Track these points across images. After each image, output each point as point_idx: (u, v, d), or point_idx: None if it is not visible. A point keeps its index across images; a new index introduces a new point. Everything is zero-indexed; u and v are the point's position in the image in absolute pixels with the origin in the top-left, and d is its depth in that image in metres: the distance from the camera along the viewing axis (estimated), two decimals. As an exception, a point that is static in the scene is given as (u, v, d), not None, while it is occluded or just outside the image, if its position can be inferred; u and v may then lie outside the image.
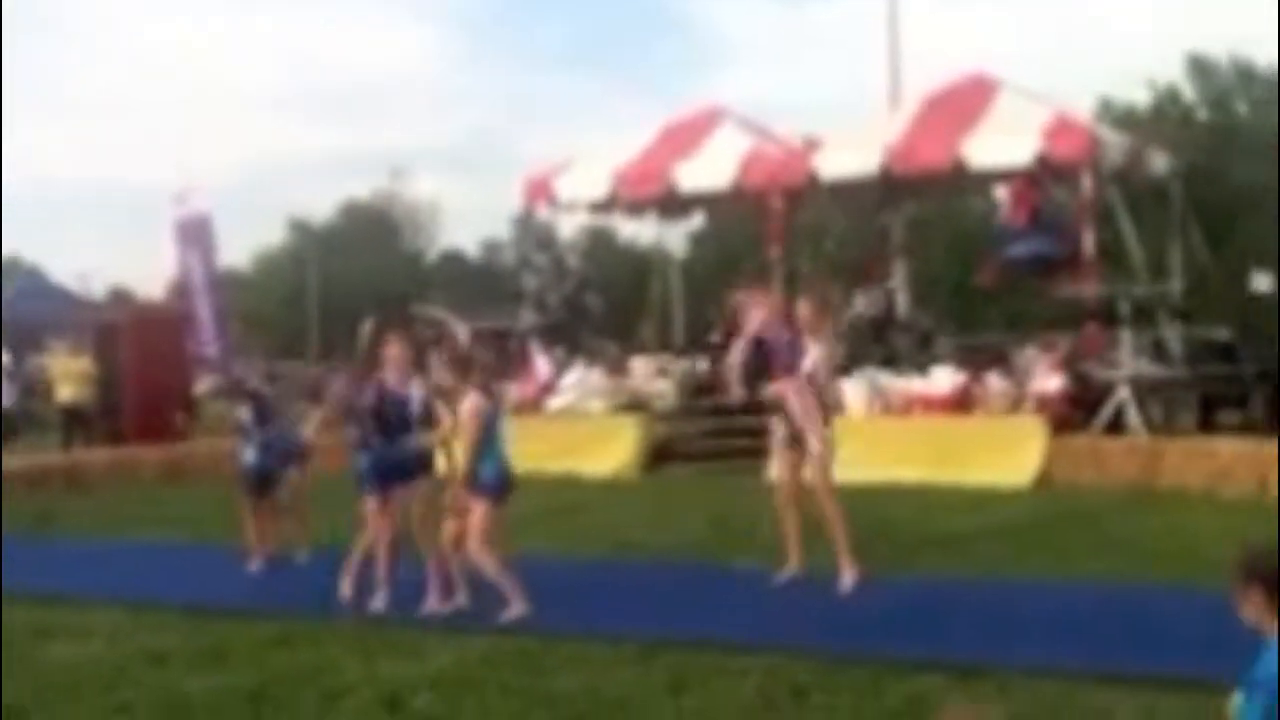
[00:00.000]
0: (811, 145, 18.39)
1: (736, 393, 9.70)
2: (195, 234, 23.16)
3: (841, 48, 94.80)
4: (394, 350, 8.65)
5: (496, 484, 8.16)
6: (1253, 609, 3.78)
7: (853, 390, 15.40)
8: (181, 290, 25.36)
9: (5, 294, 34.79)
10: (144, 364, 19.95)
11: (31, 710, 6.31)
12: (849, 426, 14.00)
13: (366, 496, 8.67)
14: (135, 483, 16.41)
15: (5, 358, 20.33)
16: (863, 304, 18.09)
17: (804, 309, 9.12)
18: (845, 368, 16.00)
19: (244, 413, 10.60)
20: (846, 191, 19.24)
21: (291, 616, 8.26)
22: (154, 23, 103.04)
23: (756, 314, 9.29)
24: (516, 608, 7.97)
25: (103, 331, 20.79)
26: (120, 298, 51.91)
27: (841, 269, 19.64)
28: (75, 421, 19.26)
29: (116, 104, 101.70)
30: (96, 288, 54.52)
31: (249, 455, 10.43)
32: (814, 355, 8.91)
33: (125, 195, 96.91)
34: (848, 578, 8.63)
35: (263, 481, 10.43)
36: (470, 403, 8.13)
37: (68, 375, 19.31)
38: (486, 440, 8.16)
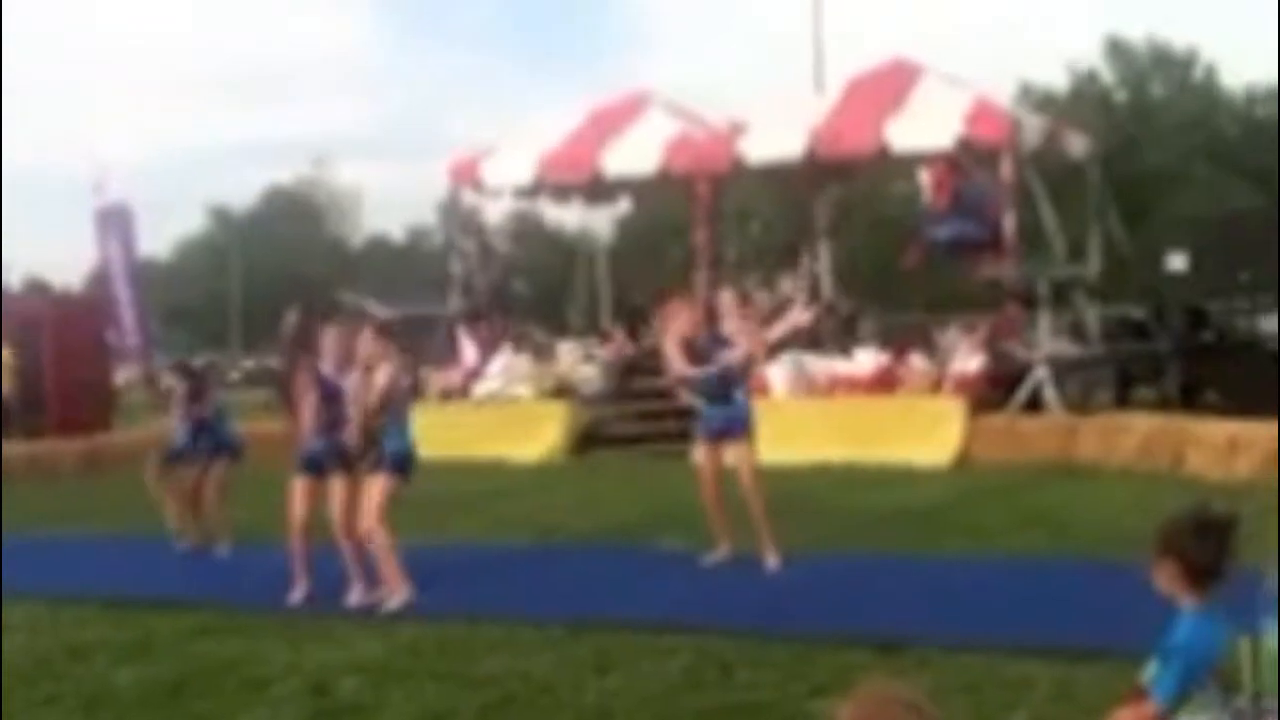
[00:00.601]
0: (737, 129, 18.49)
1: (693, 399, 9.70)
2: (114, 223, 22.78)
3: (766, 32, 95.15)
4: (329, 339, 8.57)
5: (404, 461, 8.12)
6: (1166, 580, 3.88)
7: (777, 372, 15.53)
8: (100, 280, 24.97)
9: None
10: (63, 355, 19.62)
11: (-49, 705, 6.22)
12: (773, 407, 14.16)
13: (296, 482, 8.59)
14: (54, 476, 16.17)
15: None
16: (788, 286, 18.23)
17: (725, 301, 9.22)
18: (770, 350, 16.12)
19: (180, 387, 10.54)
20: (772, 175, 19.38)
21: (215, 607, 8.20)
22: (70, 7, 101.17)
23: (682, 319, 9.32)
24: (402, 594, 7.97)
25: (20, 322, 20.41)
26: (37, 289, 50.99)
27: (767, 252, 19.73)
28: (-6, 415, 18.87)
29: (29, 90, 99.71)
30: (13, 278, 53.56)
31: (180, 434, 10.40)
32: (739, 350, 8.95)
33: (40, 185, 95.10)
34: (772, 560, 8.71)
35: (179, 459, 10.42)
36: (386, 371, 8.09)
37: (-17, 368, 18.94)
38: (398, 417, 8.13)
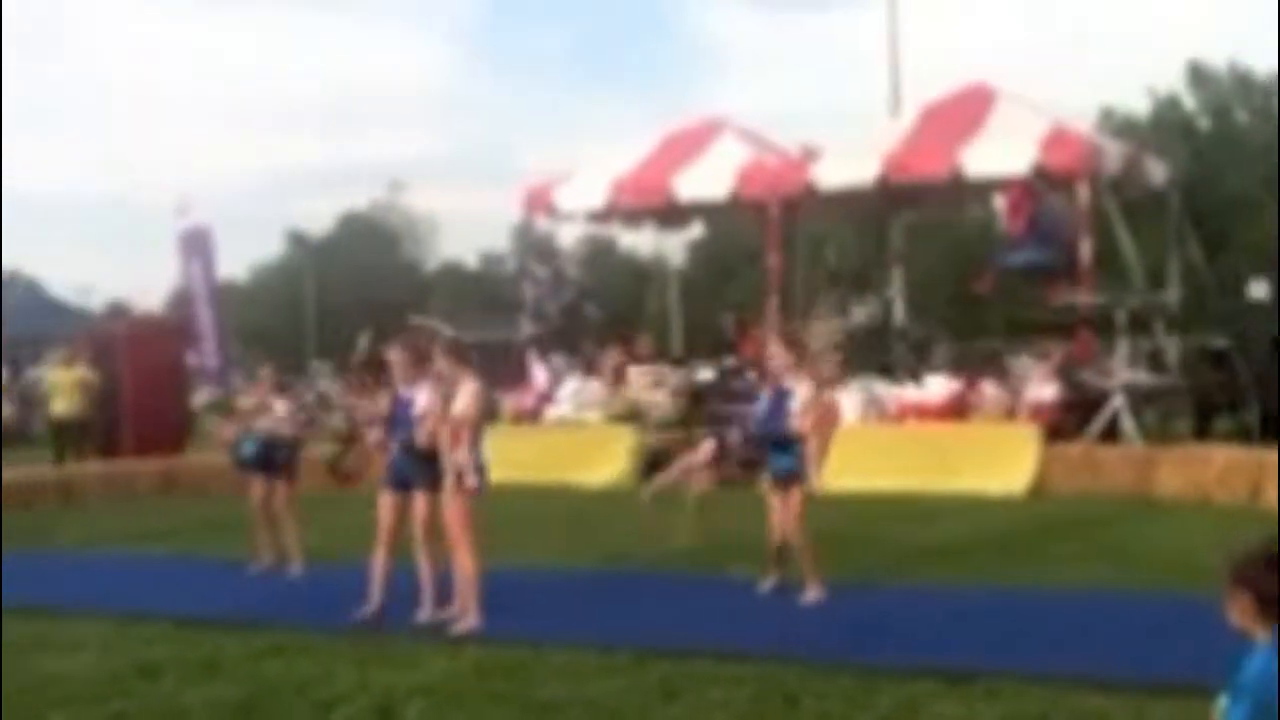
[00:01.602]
0: (810, 154, 18.45)
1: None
2: (196, 246, 23.21)
3: (841, 57, 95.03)
4: (394, 355, 8.65)
5: (482, 482, 8.13)
6: (1239, 614, 3.78)
7: (848, 399, 15.41)
8: (181, 302, 25.40)
9: (4, 308, 34.86)
10: (141, 376, 19.95)
11: (22, 720, 6.31)
12: (842, 434, 14.00)
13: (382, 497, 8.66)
14: (130, 496, 16.41)
15: (4, 372, 20.32)
16: (860, 313, 18.11)
17: (774, 353, 9.13)
18: (841, 377, 16.02)
19: (276, 401, 10.71)
20: (845, 200, 19.29)
21: (285, 627, 8.25)
22: (156, 36, 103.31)
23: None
24: (471, 620, 7.98)
25: (100, 344, 20.79)
26: (118, 310, 51.95)
27: (839, 278, 19.64)
28: (67, 434, 19.19)
29: (117, 118, 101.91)
30: (96, 301, 54.69)
31: (249, 447, 10.52)
32: (800, 397, 8.86)
33: (126, 209, 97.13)
34: (812, 594, 8.61)
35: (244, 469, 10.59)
36: (470, 389, 8.11)
37: (60, 388, 19.26)
38: (477, 436, 8.15)
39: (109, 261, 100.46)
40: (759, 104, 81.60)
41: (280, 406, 10.66)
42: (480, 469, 8.14)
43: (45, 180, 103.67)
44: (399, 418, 8.52)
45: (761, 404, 9.03)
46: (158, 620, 8.53)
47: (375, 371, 9.46)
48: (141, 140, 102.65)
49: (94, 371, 19.41)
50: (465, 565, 8.06)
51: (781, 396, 8.85)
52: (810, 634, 7.71)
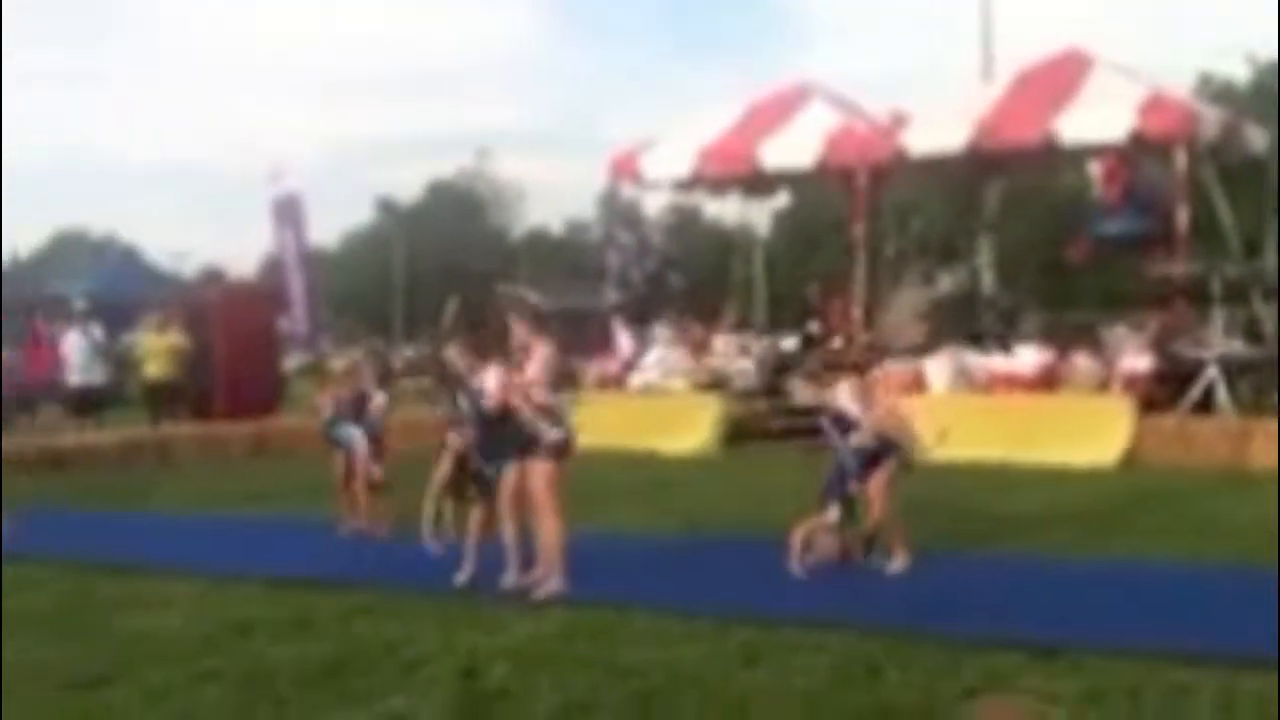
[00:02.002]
0: (899, 121, 18.22)
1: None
2: (288, 213, 23.49)
3: (931, 22, 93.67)
4: (517, 329, 8.69)
5: (562, 447, 8.12)
6: None
7: (936, 368, 15.28)
8: (273, 268, 25.75)
9: (99, 274, 35.58)
10: (233, 341, 20.27)
11: (117, 677, 6.46)
12: (931, 404, 13.93)
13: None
14: (223, 458, 16.73)
15: (98, 335, 20.73)
16: (948, 283, 17.92)
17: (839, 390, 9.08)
18: (929, 346, 15.88)
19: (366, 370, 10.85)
20: (934, 167, 19.06)
21: (374, 589, 8.36)
22: (251, 5, 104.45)
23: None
24: (554, 584, 7.99)
25: (194, 309, 21.16)
26: (212, 276, 52.84)
27: (929, 246, 19.45)
28: (160, 397, 19.59)
29: (213, 86, 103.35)
30: (190, 267, 55.68)
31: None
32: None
33: (220, 176, 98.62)
34: (898, 562, 8.56)
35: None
36: (543, 351, 8.13)
37: (154, 352, 19.64)
38: (555, 403, 8.16)
39: (203, 228, 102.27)
40: (847, 69, 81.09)
41: (380, 399, 10.77)
42: (566, 434, 8.17)
43: (142, 148, 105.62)
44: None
45: None
46: (249, 580, 8.69)
47: (466, 337, 9.48)
48: (236, 108, 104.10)
49: (186, 336, 19.77)
50: (549, 530, 8.10)
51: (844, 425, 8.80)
52: (894, 603, 7.66)
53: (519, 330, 8.33)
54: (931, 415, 12.10)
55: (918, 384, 15.30)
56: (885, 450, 8.61)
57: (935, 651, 6.40)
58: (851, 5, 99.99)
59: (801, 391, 9.13)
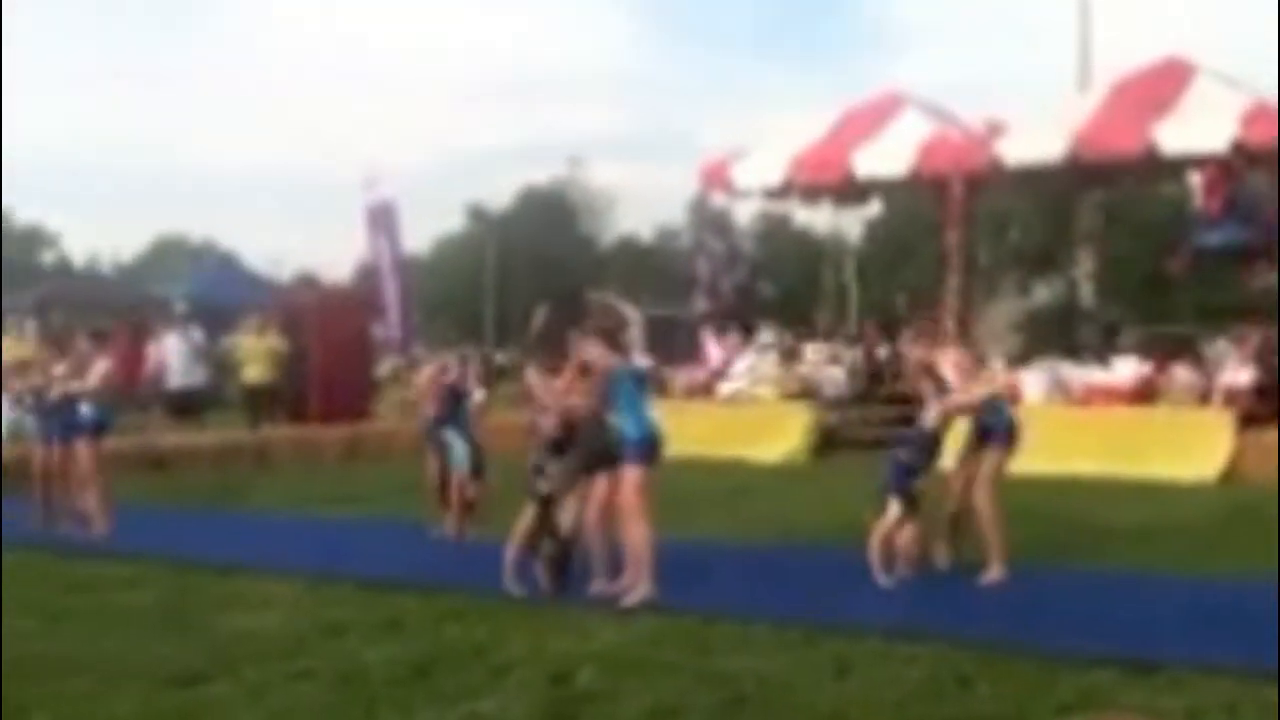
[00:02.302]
0: (995, 130, 18.02)
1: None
2: (382, 220, 23.80)
3: (1027, 31, 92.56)
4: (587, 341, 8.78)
5: (645, 449, 8.09)
6: None
7: (1032, 380, 15.08)
8: (367, 274, 26.08)
9: (199, 279, 36.30)
10: (328, 346, 20.56)
11: (215, 674, 6.58)
12: (1026, 416, 13.68)
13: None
14: (317, 460, 16.98)
15: (198, 338, 21.16)
16: (1044, 293, 17.71)
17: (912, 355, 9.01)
18: (1024, 357, 15.70)
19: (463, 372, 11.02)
20: (1031, 177, 18.83)
21: (466, 592, 8.43)
22: (345, 14, 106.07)
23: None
24: (643, 590, 7.97)
25: (290, 314, 21.51)
26: (308, 281, 53.63)
27: (1024, 257, 19.19)
28: (259, 400, 19.94)
29: (309, 95, 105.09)
30: (287, 272, 56.58)
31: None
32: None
33: (315, 184, 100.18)
34: (994, 573, 8.47)
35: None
36: (592, 353, 8.17)
37: (253, 355, 19.99)
38: (630, 400, 8.16)
39: (299, 233, 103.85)
40: (942, 78, 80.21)
41: (479, 396, 10.89)
42: (645, 437, 8.19)
43: (240, 155, 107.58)
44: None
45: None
46: (343, 581, 8.80)
47: (552, 345, 9.55)
48: (331, 117, 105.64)
49: (284, 340, 20.09)
50: (638, 535, 8.11)
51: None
52: (987, 615, 7.58)
53: (587, 344, 8.32)
54: (1027, 427, 11.99)
55: (1012, 395, 15.11)
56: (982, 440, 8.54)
57: (1029, 666, 6.32)
58: (947, 14, 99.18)
59: (910, 348, 9.07)
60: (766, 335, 18.52)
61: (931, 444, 8.67)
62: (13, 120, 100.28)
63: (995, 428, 8.74)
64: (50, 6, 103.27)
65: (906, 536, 8.50)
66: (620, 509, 8.18)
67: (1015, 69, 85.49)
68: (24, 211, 75.65)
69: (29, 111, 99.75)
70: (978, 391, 8.89)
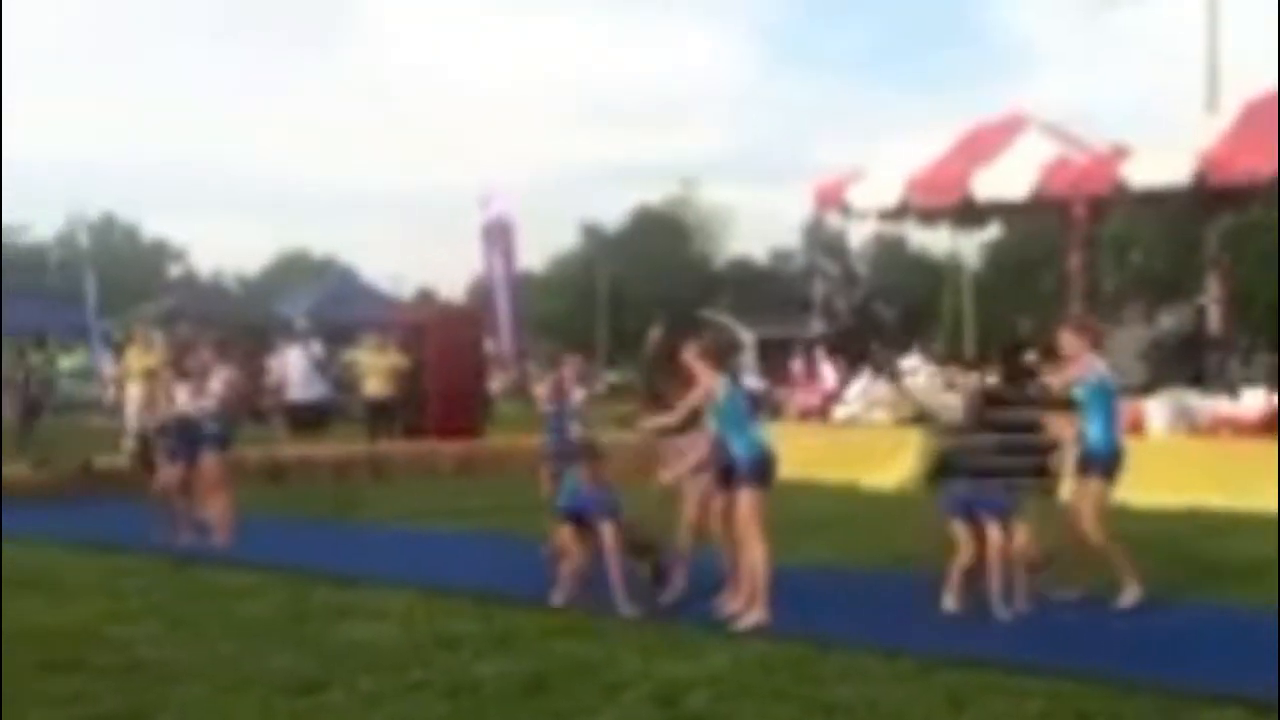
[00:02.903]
0: (1119, 153, 17.66)
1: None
2: (497, 238, 24.06)
3: (1153, 52, 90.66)
4: (691, 350, 8.81)
5: (758, 468, 8.10)
6: None
7: (1156, 410, 14.72)
8: (481, 291, 26.36)
9: (320, 294, 37.04)
10: (445, 362, 20.81)
11: (330, 683, 6.69)
12: (1150, 448, 13.43)
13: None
14: (431, 475, 17.18)
15: (318, 352, 21.57)
16: (1169, 321, 17.29)
17: (1066, 340, 8.80)
18: (1148, 386, 15.33)
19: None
20: (1156, 201, 18.41)
21: (577, 608, 8.46)
22: (462, 34, 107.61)
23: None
24: (758, 614, 7.98)
25: (409, 330, 21.82)
26: (426, 298, 54.39)
27: (1148, 283, 18.79)
28: (380, 414, 20.26)
29: (428, 116, 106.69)
30: (405, 289, 57.43)
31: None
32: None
33: (433, 201, 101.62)
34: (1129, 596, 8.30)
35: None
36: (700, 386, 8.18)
37: (375, 370, 20.33)
38: (739, 421, 8.16)
39: (417, 250, 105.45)
40: (1064, 100, 79.07)
41: (579, 395, 10.91)
42: (766, 461, 8.16)
43: (360, 174, 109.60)
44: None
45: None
46: (457, 594, 8.90)
47: (666, 365, 9.56)
48: (450, 135, 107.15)
49: (404, 356, 20.40)
50: (755, 558, 8.07)
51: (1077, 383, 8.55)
52: (1106, 649, 7.40)
53: (694, 363, 8.30)
54: (1150, 459, 11.75)
55: (1136, 425, 14.77)
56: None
57: (1149, 703, 6.16)
58: (1069, 37, 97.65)
59: (1051, 377, 8.92)
60: (911, 360, 18.27)
61: (1041, 459, 8.53)
62: (143, 136, 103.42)
63: (1095, 456, 8.56)
64: (182, 31, 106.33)
65: (1019, 561, 8.38)
66: (737, 531, 8.15)
67: (1140, 93, 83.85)
68: (152, 225, 78.07)
69: (159, 128, 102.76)
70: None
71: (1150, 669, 6.85)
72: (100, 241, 68.27)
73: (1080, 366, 8.86)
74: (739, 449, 8.10)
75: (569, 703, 6.38)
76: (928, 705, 6.25)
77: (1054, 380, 9.00)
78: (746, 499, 8.07)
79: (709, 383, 8.17)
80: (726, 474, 8.29)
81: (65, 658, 7.23)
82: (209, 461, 11.58)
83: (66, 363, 24.95)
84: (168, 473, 11.82)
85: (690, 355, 8.31)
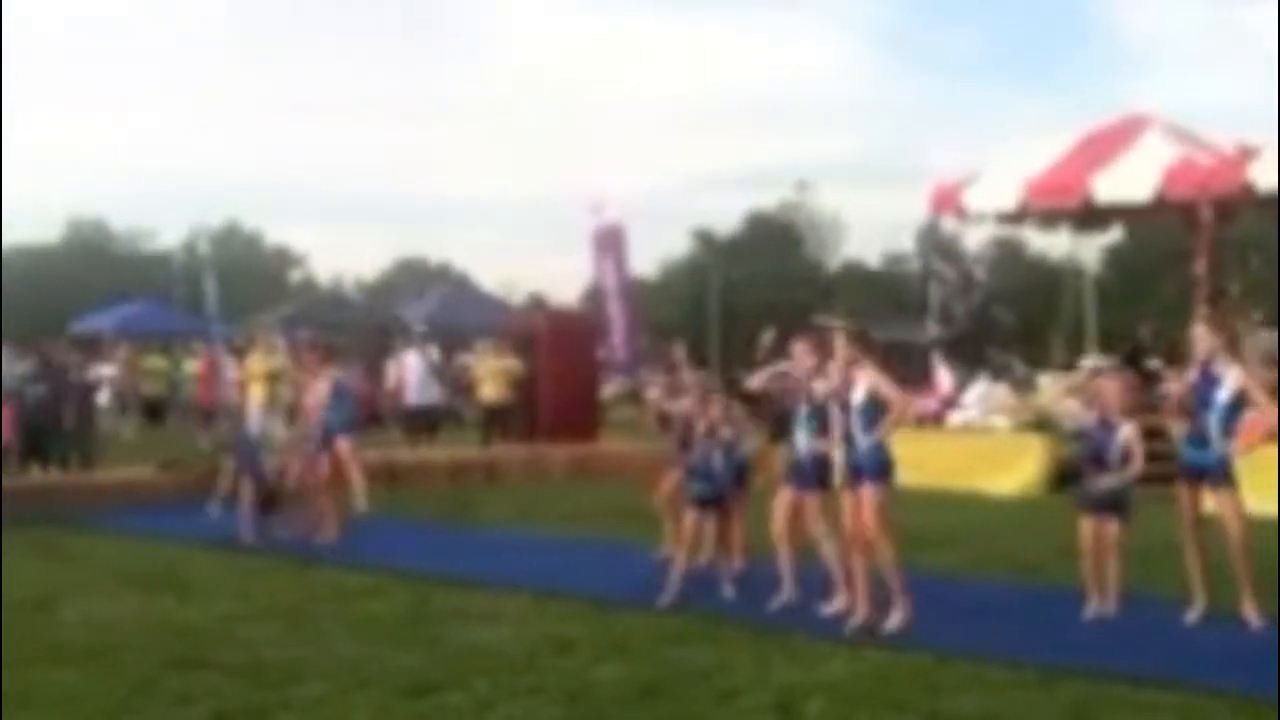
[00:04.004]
0: (1247, 154, 17.16)
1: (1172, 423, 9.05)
2: (609, 243, 24.11)
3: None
4: (797, 348, 8.79)
5: (883, 468, 8.15)
6: None
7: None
8: (594, 296, 26.46)
9: (435, 299, 37.49)
10: (558, 367, 20.91)
11: (448, 684, 6.74)
12: (1270, 454, 13.01)
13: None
14: (544, 478, 17.27)
15: (435, 357, 21.82)
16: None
17: (1200, 336, 8.49)
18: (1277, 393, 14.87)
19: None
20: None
21: (691, 614, 8.44)
22: (571, 38, 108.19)
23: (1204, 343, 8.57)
24: (902, 614, 7.97)
25: (522, 335, 21.97)
26: (538, 304, 54.78)
27: (1271, 288, 18.22)
28: (495, 419, 20.44)
29: (540, 122, 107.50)
30: (518, 295, 57.96)
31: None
32: (1231, 384, 8.28)
33: (545, 211, 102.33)
34: (1252, 618, 8.03)
35: None
36: (871, 375, 8.16)
37: (491, 375, 20.51)
38: (869, 424, 8.17)
39: (530, 256, 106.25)
40: (1186, 102, 76.79)
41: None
42: (890, 460, 8.15)
43: (475, 181, 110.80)
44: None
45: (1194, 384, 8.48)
46: (572, 598, 8.92)
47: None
48: (561, 142, 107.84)
49: (519, 361, 20.56)
50: (887, 559, 8.03)
51: (1209, 382, 8.28)
52: (1233, 664, 7.17)
53: (841, 347, 8.30)
54: (1270, 465, 11.38)
55: (1269, 433, 14.33)
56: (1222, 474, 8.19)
57: (1284, 721, 5.96)
58: (1190, 34, 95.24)
59: (1170, 383, 8.68)
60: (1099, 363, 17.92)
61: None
62: (264, 146, 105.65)
63: (1210, 461, 8.31)
64: (303, 43, 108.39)
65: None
66: (869, 533, 8.09)
67: (1266, 91, 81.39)
68: (274, 232, 79.66)
69: (279, 138, 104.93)
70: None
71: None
72: (222, 248, 69.95)
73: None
74: (865, 448, 8.08)
75: (684, 709, 6.35)
76: (1051, 717, 6.12)
77: (1174, 387, 8.73)
78: (872, 499, 8.00)
79: (875, 372, 8.17)
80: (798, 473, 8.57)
81: (191, 656, 7.40)
82: (343, 448, 12.33)
83: (191, 367, 25.57)
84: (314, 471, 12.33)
85: (844, 343, 8.26)
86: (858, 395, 8.15)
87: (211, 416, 21.90)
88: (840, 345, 8.35)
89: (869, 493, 8.04)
